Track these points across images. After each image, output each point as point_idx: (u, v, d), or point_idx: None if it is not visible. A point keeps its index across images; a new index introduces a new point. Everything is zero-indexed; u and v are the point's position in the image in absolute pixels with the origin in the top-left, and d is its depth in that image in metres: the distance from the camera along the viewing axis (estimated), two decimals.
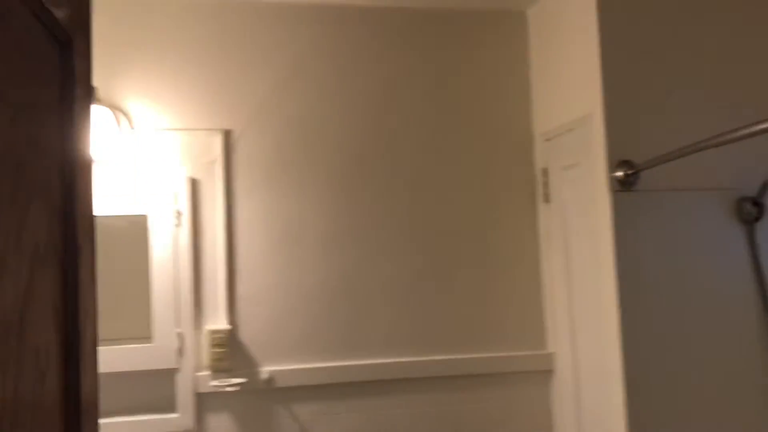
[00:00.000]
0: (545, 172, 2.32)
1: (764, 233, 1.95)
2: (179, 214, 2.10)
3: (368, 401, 2.19)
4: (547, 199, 2.32)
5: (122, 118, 2.11)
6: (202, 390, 2.08)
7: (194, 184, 2.14)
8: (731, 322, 1.92)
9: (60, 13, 0.65)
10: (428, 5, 2.33)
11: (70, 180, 0.67)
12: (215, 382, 2.07)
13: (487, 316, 2.31)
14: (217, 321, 2.12)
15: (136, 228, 2.08)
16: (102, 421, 0.76)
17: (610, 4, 1.94)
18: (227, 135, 2.18)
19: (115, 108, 2.09)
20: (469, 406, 2.26)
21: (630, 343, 1.86)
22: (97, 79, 0.93)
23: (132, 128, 2.12)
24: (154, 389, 2.06)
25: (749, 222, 1.94)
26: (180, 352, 2.07)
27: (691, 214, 1.93)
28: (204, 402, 2.09)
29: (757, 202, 1.93)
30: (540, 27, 2.35)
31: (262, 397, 2.12)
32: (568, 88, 2.16)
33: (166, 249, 2.08)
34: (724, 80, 2.00)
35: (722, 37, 2.01)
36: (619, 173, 1.90)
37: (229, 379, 2.07)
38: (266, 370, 2.12)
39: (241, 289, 2.15)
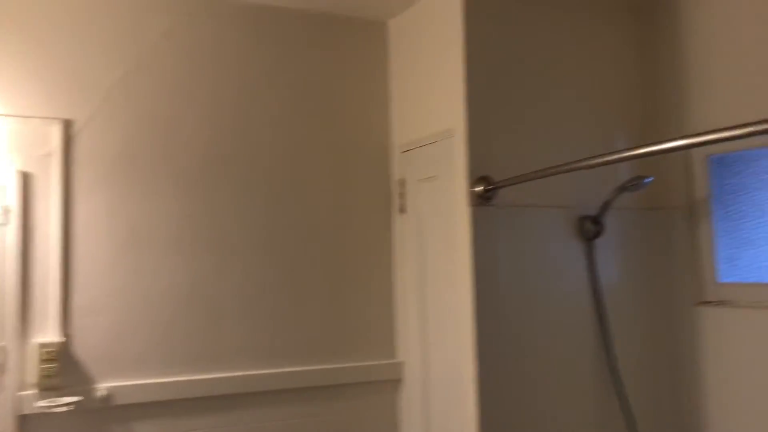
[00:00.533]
0: (402, 183, 2.35)
1: (601, 250, 2.12)
2: (7, 211, 1.85)
3: (215, 417, 2.07)
4: (403, 209, 2.35)
5: None
6: (27, 411, 1.83)
7: (26, 179, 1.89)
8: (572, 331, 2.06)
9: None
10: (293, 5, 2.27)
11: None
12: (43, 402, 1.84)
13: (338, 326, 2.28)
14: (48, 333, 1.89)
15: None
16: None
17: (475, 22, 2.00)
18: (67, 125, 1.96)
19: None
20: (316, 419, 2.22)
21: (483, 351, 1.92)
22: None
23: None
24: None
25: (589, 239, 2.09)
26: (1, 368, 1.82)
27: (540, 230, 2.05)
28: (28, 425, 1.84)
29: (596, 221, 2.08)
30: (401, 39, 2.38)
31: (98, 417, 1.92)
32: (429, 102, 2.20)
33: None
34: (578, 106, 2.14)
35: (578, 64, 2.16)
36: (479, 188, 1.96)
37: (59, 398, 1.85)
38: (104, 386, 1.92)
39: (78, 296, 1.93)
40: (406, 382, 2.31)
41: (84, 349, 1.93)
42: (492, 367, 1.93)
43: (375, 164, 2.38)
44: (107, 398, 1.92)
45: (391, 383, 2.34)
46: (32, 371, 1.85)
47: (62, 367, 1.88)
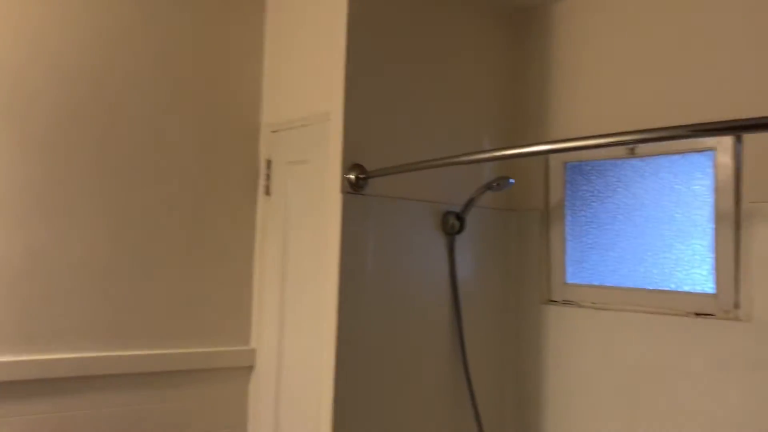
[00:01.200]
0: (269, 164, 2.27)
1: (461, 245, 2.17)
2: None
3: (49, 402, 1.88)
4: (267, 192, 2.27)
5: None
6: None
7: None
8: (430, 320, 2.10)
9: None
10: None
11: None
12: None
13: (190, 309, 2.16)
14: None
15: None
16: None
17: (359, 6, 1.97)
18: None
19: None
20: (161, 406, 2.09)
21: (344, 340, 1.90)
22: None
23: None
24: None
25: (451, 234, 2.14)
26: None
27: (406, 221, 2.06)
28: None
29: (459, 217, 2.13)
30: (280, 13, 2.29)
31: None
32: (305, 83, 2.14)
33: None
34: (452, 103, 2.17)
35: (454, 62, 2.19)
36: (352, 176, 1.93)
37: None
38: None
39: None
40: (259, 369, 2.24)
41: None
42: (351, 356, 1.92)
43: (241, 141, 2.28)
44: None
45: (242, 370, 2.26)
46: None
47: None
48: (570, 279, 2.19)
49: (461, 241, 2.17)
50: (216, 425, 2.20)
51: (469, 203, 2.13)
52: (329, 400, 1.89)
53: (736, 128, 1.09)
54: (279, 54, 2.28)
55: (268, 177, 2.27)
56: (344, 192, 1.93)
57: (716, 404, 1.78)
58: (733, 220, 1.79)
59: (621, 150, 2.02)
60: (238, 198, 2.27)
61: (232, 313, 2.25)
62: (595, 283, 2.14)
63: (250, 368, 2.27)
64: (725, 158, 1.80)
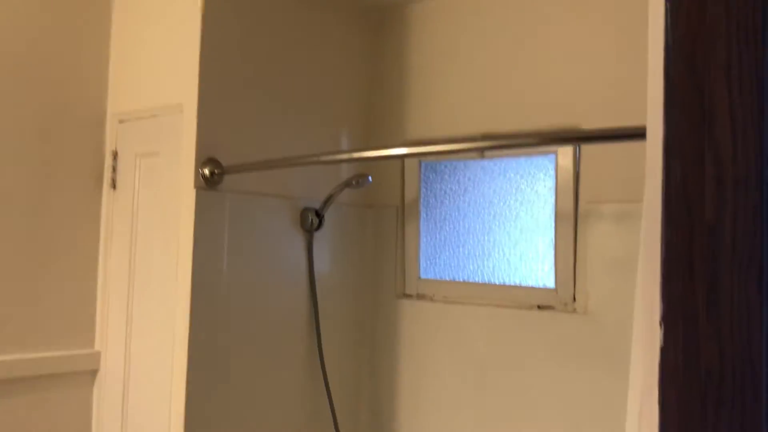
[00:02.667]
0: (115, 155, 2.15)
1: (320, 241, 2.17)
2: None
3: None
4: (114, 185, 2.15)
5: None
6: None
7: None
8: (289, 318, 2.08)
9: None
10: None
11: None
12: None
13: (27, 310, 2.00)
14: None
15: None
16: None
17: (217, 1, 1.91)
18: None
19: None
20: None
21: (198, 341, 1.85)
22: None
23: None
24: None
25: (310, 231, 2.13)
26: None
27: (264, 218, 2.03)
28: None
29: (318, 214, 2.13)
30: None
31: None
32: (156, 72, 2.04)
33: None
34: (310, 101, 2.16)
35: (313, 60, 2.18)
36: (206, 170, 1.87)
37: None
38: None
39: None
40: (103, 373, 2.12)
41: None
42: (204, 357, 1.86)
43: (85, 130, 2.13)
44: None
45: (85, 375, 2.13)
46: None
47: None
48: (424, 274, 2.26)
49: (319, 237, 2.17)
50: None
51: (328, 200, 2.13)
52: (181, 404, 1.83)
53: (579, 139, 1.17)
54: (127, 39, 2.15)
55: (114, 169, 2.14)
56: (198, 187, 1.86)
57: (556, 388, 1.91)
58: (572, 219, 1.92)
59: (472, 152, 2.11)
60: (80, 191, 2.12)
61: (74, 314, 2.10)
62: (447, 278, 2.22)
63: (94, 372, 2.14)
64: (566, 161, 1.93)
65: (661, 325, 0.55)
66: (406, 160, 2.28)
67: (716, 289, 0.51)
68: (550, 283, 1.98)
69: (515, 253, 2.08)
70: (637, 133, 1.00)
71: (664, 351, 0.54)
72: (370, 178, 2.12)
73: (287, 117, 2.10)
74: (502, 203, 2.11)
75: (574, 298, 1.91)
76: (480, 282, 2.13)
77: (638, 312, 0.78)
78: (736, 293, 0.50)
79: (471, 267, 2.18)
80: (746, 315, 0.49)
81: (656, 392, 0.56)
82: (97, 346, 2.15)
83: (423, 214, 2.27)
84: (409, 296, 2.27)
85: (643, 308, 0.57)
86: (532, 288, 2.02)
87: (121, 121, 2.14)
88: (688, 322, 0.52)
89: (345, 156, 1.60)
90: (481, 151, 2.04)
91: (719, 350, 0.50)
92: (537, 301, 1.99)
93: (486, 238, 2.14)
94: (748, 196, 0.51)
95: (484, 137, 1.31)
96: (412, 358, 2.23)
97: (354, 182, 2.10)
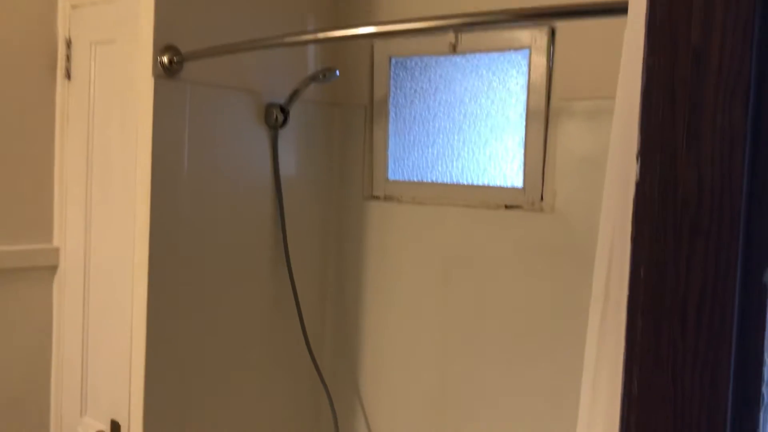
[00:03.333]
0: (69, 43, 2.03)
1: (284, 140, 2.11)
2: None
3: None
4: (68, 75, 2.04)
5: None
6: None
7: None
8: (253, 219, 2.05)
9: None
10: None
11: None
12: None
13: None
14: None
15: None
16: None
17: None
18: None
19: None
20: None
21: (158, 240, 1.80)
22: None
23: None
24: None
25: (274, 127, 2.07)
26: None
27: (226, 112, 1.96)
28: None
29: (283, 110, 2.06)
30: None
31: None
32: None
33: None
34: None
35: None
36: (165, 58, 1.78)
37: None
38: None
39: None
40: (63, 269, 2.08)
41: None
42: (166, 255, 1.83)
43: (34, 17, 2.01)
44: None
45: (44, 270, 2.08)
46: None
47: None
48: (392, 175, 2.22)
49: (285, 136, 2.11)
50: (18, 330, 2.02)
51: (294, 95, 2.06)
52: (143, 302, 1.80)
53: (556, 15, 1.12)
54: None
55: (68, 59, 2.03)
56: (156, 76, 1.78)
57: (521, 284, 1.93)
58: (543, 117, 1.88)
59: (444, 46, 2.03)
60: (33, 82, 2.02)
61: (30, 208, 2.04)
62: (416, 179, 2.18)
63: (53, 268, 2.09)
64: (539, 57, 1.88)
65: (637, 159, 0.52)
66: (376, 57, 2.20)
67: (698, 114, 0.48)
68: (519, 183, 1.96)
69: (485, 153, 2.05)
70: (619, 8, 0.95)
71: (640, 185, 0.51)
72: (337, 72, 2.05)
73: (250, 2, 1.99)
74: (473, 102, 2.06)
75: (542, 197, 1.90)
76: (449, 183, 2.11)
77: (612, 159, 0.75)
78: (720, 116, 0.47)
79: (440, 168, 2.14)
80: (729, 138, 0.47)
81: (627, 247, 0.54)
82: (55, 242, 2.09)
83: (392, 114, 2.21)
84: (376, 198, 2.24)
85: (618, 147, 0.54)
86: (501, 188, 2.00)
87: (74, 6, 2.02)
88: (667, 151, 0.49)
89: (310, 37, 1.53)
90: (453, 44, 1.96)
91: (698, 177, 0.48)
92: (504, 201, 1.97)
93: (456, 137, 2.10)
94: (738, 14, 0.47)
95: (456, 15, 1.24)
96: (380, 259, 2.22)
97: (321, 76, 2.03)
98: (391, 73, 2.19)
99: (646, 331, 0.52)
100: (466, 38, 1.94)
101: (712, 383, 0.49)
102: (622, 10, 0.82)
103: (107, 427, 1.90)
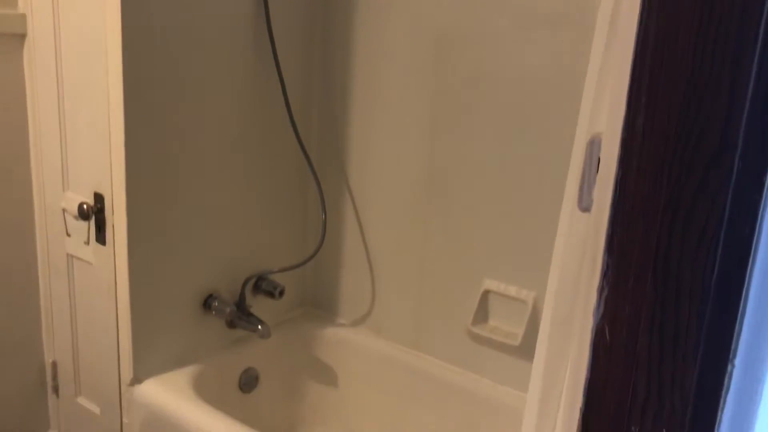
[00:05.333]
0: None
1: None
2: None
3: None
4: None
5: None
6: None
7: None
8: (234, 56, 1.89)
9: None
10: None
11: None
12: None
13: None
14: None
15: None
16: None
17: None
18: None
19: None
20: None
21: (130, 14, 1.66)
22: None
23: None
24: None
25: None
26: None
27: None
28: None
29: None
30: None
31: None
32: None
33: None
34: None
35: None
36: None
37: None
38: None
39: None
40: (32, 38, 1.95)
41: None
42: (141, 22, 1.69)
43: None
44: None
45: (12, 38, 1.95)
46: None
47: None
48: None
49: None
50: None
51: None
52: (118, 71, 1.69)
53: None
54: None
55: None
56: None
57: (518, 61, 1.83)
58: None
59: None
60: None
61: None
62: None
63: (21, 36, 1.96)
64: None
65: None
66: None
67: None
68: None
69: None
70: None
71: None
72: None
73: None
74: None
75: None
76: None
77: None
78: None
79: None
80: None
81: None
82: (21, 8, 1.94)
83: None
84: None
85: None
86: None
87: None
88: None
89: None
90: None
91: None
92: None
93: None
94: None
95: None
96: (369, 31, 2.08)
97: None
98: None
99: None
100: None
101: None
102: None
103: (90, 200, 1.88)
